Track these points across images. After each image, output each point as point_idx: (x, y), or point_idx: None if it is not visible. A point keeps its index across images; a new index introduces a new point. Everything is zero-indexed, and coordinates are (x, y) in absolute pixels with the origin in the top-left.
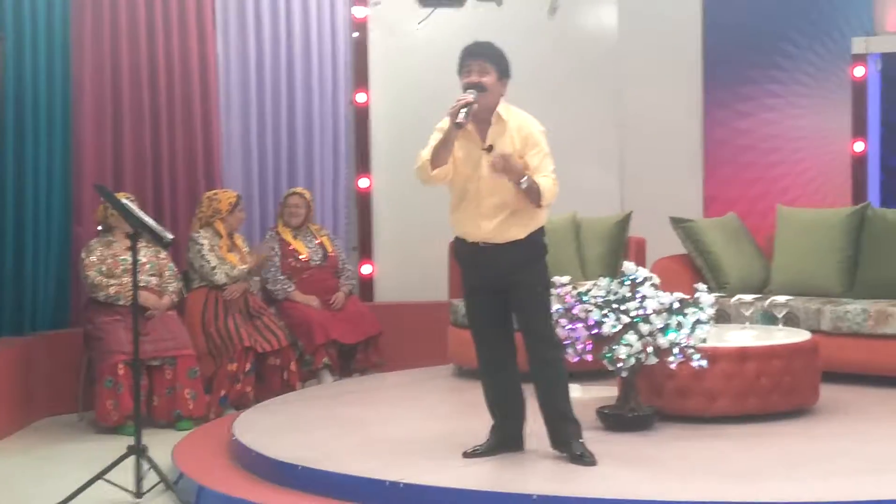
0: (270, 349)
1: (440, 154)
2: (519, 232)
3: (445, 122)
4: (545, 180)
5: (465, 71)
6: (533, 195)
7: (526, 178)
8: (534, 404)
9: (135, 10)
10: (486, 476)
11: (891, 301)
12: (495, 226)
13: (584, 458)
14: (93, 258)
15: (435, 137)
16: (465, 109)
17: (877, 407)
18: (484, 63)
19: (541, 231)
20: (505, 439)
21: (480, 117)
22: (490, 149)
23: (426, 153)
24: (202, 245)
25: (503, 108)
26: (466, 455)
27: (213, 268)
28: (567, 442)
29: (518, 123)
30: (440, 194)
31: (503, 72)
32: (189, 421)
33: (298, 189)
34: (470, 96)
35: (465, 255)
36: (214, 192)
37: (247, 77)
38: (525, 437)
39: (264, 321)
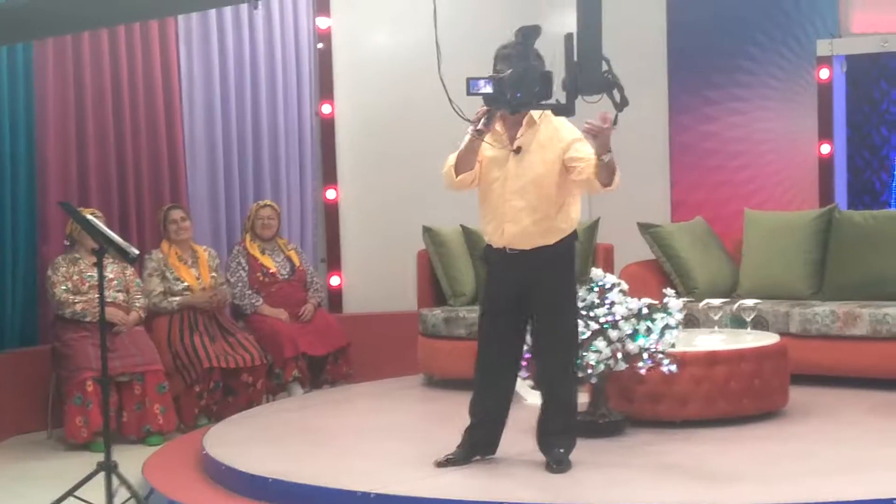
0: (244, 364)
1: (465, 160)
2: (547, 238)
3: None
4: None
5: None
6: (609, 172)
7: (610, 153)
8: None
9: None
10: (458, 485)
11: (858, 302)
12: (520, 230)
13: (558, 466)
14: (59, 275)
15: (465, 140)
16: (486, 116)
17: (846, 408)
18: None
19: (572, 236)
20: (479, 443)
21: (513, 119)
22: (518, 150)
23: (452, 158)
24: (145, 268)
25: (537, 112)
26: (439, 464)
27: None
28: (550, 448)
29: (555, 127)
30: (407, 204)
31: None
32: (159, 436)
33: (268, 201)
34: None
35: (493, 261)
36: None
37: (211, 89)
38: (498, 442)
39: (238, 338)
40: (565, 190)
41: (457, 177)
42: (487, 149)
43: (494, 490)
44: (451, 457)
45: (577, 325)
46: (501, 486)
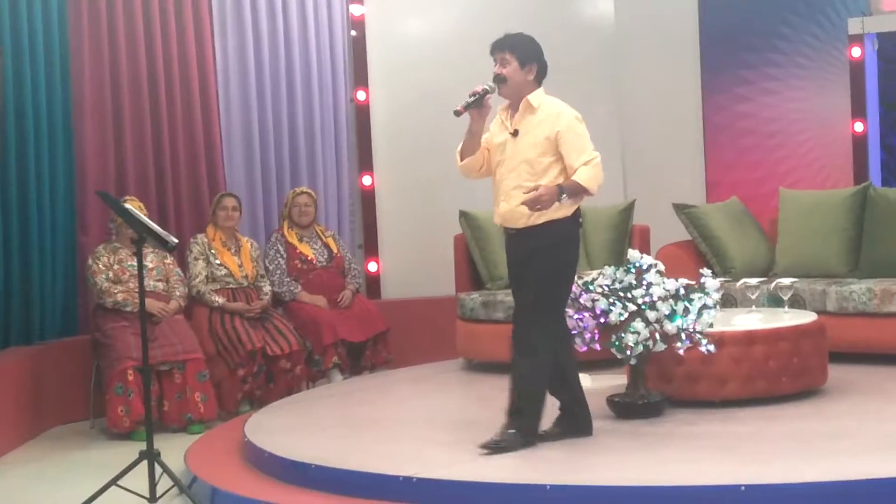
0: (281, 352)
1: (466, 145)
2: (536, 218)
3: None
4: (583, 171)
5: (494, 63)
6: (578, 197)
7: (562, 196)
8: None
9: (132, 13)
10: (500, 468)
11: (895, 279)
12: (511, 207)
13: (491, 445)
14: (100, 264)
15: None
16: (469, 99)
17: (885, 385)
18: (503, 54)
19: (567, 220)
20: (571, 423)
21: (512, 104)
22: (515, 133)
23: (460, 145)
24: (191, 252)
25: (535, 97)
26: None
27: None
28: (504, 426)
29: (550, 110)
30: (443, 189)
31: (524, 59)
32: (200, 424)
33: (305, 188)
34: (479, 87)
35: (505, 239)
36: None
37: (246, 78)
38: (591, 422)
39: (275, 323)
40: (562, 173)
41: (460, 161)
42: (495, 136)
43: (534, 472)
44: (545, 432)
45: (550, 307)
46: (541, 469)
